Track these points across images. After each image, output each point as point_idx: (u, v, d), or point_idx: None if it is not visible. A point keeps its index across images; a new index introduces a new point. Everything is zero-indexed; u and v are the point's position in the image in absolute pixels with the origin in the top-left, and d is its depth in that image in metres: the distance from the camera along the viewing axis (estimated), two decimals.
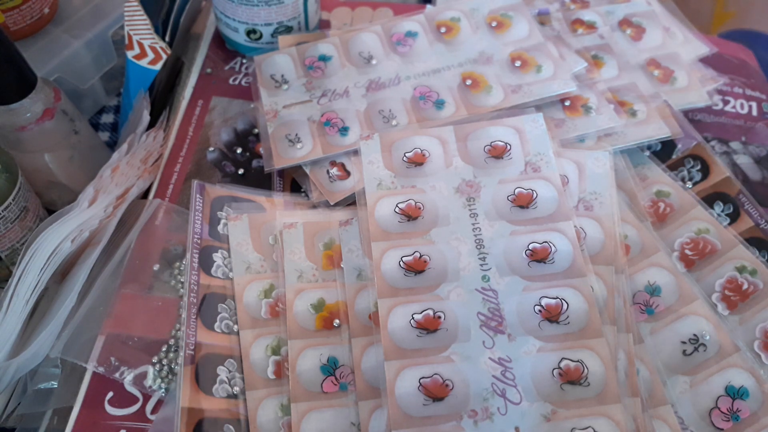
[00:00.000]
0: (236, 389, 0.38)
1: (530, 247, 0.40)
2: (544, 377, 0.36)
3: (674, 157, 0.47)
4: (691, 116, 0.50)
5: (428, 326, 0.38)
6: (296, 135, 0.47)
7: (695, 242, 0.43)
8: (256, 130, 0.49)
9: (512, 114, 0.46)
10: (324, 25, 0.57)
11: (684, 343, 0.39)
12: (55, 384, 0.39)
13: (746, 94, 0.53)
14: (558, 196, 0.42)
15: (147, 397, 0.38)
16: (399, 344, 0.37)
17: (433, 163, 0.44)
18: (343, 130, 0.47)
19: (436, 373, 0.37)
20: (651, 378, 0.38)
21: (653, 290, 0.41)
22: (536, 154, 0.44)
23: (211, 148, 0.48)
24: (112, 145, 0.56)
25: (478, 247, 0.40)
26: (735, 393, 0.37)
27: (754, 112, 0.52)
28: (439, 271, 0.40)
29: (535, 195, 0.42)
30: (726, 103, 0.52)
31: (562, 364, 0.37)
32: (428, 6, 0.53)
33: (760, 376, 0.38)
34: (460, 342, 0.37)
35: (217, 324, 0.40)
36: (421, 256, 0.40)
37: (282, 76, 0.50)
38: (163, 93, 0.53)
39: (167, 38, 0.52)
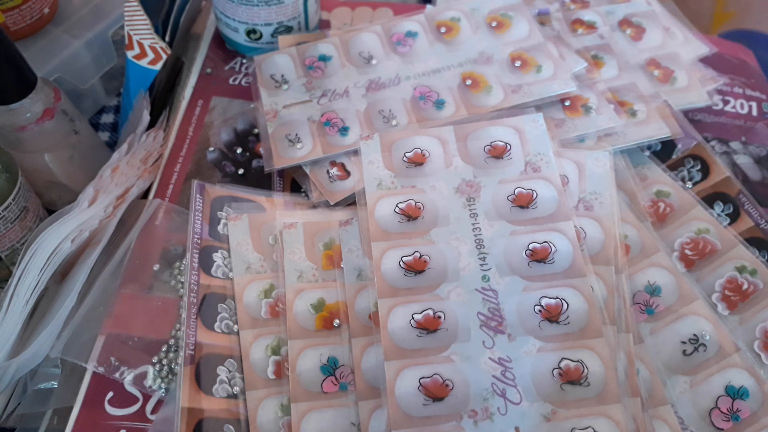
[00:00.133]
0: (236, 389, 0.38)
1: (530, 247, 0.40)
2: (544, 377, 0.36)
3: (674, 157, 0.47)
4: (691, 116, 0.50)
5: (428, 326, 0.38)
6: (296, 135, 0.47)
7: (695, 242, 0.43)
8: (256, 130, 0.49)
9: (512, 114, 0.46)
10: (324, 25, 0.57)
11: (684, 343, 0.39)
12: (55, 384, 0.39)
13: (746, 94, 0.53)
14: (558, 196, 0.42)
15: (147, 397, 0.38)
16: (399, 344, 0.37)
17: (433, 163, 0.44)
18: (343, 130, 0.47)
19: (436, 373, 0.37)
20: (651, 378, 0.38)
21: (653, 290, 0.41)
22: (536, 154, 0.44)
23: (211, 148, 0.48)
24: (112, 145, 0.56)
25: (478, 247, 0.40)
26: (735, 393, 0.37)
27: (754, 112, 0.52)
28: (439, 271, 0.40)
29: (535, 195, 0.42)
30: (726, 103, 0.52)
31: (562, 364, 0.37)
32: (428, 6, 0.53)
33: (760, 376, 0.38)
34: (460, 342, 0.37)
35: (217, 324, 0.40)
36: (421, 256, 0.40)
37: (282, 76, 0.50)
38: (163, 93, 0.53)
39: (167, 38, 0.52)
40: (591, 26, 0.52)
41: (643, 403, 0.36)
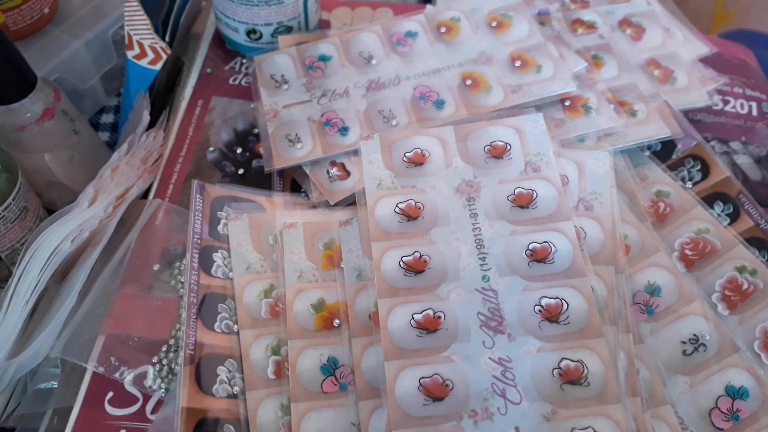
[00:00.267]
0: (236, 389, 0.38)
1: (530, 247, 0.40)
2: (544, 377, 0.36)
3: (674, 157, 0.47)
4: (691, 116, 0.50)
5: (428, 326, 0.38)
6: (296, 135, 0.47)
7: (695, 242, 0.43)
8: (256, 130, 0.49)
9: (512, 114, 0.46)
10: (324, 25, 0.57)
11: (684, 343, 0.39)
12: (55, 384, 0.39)
13: (746, 94, 0.53)
14: (558, 196, 0.42)
15: (147, 397, 0.38)
16: (399, 344, 0.37)
17: (433, 163, 0.44)
18: (343, 130, 0.47)
19: (436, 373, 0.37)
20: (651, 378, 0.38)
21: (653, 290, 0.41)
22: (536, 154, 0.44)
23: (211, 148, 0.48)
24: (112, 145, 0.56)
25: (478, 247, 0.40)
26: (735, 393, 0.37)
27: (754, 112, 0.52)
28: (439, 271, 0.40)
29: (535, 195, 0.42)
30: (726, 103, 0.52)
31: (562, 364, 0.37)
32: (428, 6, 0.53)
33: (760, 376, 0.38)
34: (460, 342, 0.37)
35: (217, 324, 0.40)
36: (421, 256, 0.40)
37: (282, 76, 0.50)
38: (163, 93, 0.53)
39: (167, 38, 0.52)
40: (591, 26, 0.52)
41: (643, 403, 0.36)
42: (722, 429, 0.37)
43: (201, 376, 0.38)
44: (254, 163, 0.48)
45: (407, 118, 0.47)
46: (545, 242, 0.40)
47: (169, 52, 0.50)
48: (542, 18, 0.52)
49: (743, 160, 0.49)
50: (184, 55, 0.54)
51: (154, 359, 0.39)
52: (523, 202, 0.42)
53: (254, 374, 0.38)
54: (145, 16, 0.50)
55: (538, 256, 0.40)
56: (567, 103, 0.47)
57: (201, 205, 0.44)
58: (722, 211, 0.44)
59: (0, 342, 0.37)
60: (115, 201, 0.43)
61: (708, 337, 0.39)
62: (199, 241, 0.42)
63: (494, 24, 0.51)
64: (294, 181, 0.47)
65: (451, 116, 0.46)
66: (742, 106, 0.52)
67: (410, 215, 0.42)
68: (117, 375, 0.38)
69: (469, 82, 0.48)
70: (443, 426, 0.35)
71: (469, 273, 0.39)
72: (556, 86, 0.47)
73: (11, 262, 0.44)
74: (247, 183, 0.47)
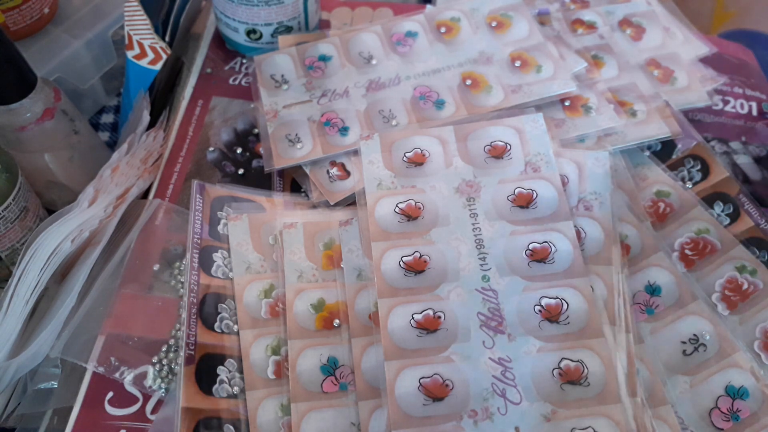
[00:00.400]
0: (236, 389, 0.38)
1: (530, 247, 0.40)
2: (544, 377, 0.36)
3: (674, 157, 0.47)
4: (691, 116, 0.50)
5: (428, 326, 0.38)
6: (296, 135, 0.47)
7: (695, 242, 0.43)
8: (256, 130, 0.49)
9: (512, 114, 0.46)
10: (324, 25, 0.57)
11: (684, 343, 0.39)
12: (55, 384, 0.39)
13: (746, 94, 0.53)
14: (558, 196, 0.42)
15: (147, 397, 0.38)
16: (399, 344, 0.37)
17: (433, 163, 0.44)
18: (343, 130, 0.47)
19: (436, 373, 0.37)
20: (651, 378, 0.38)
21: (653, 290, 0.41)
22: (536, 154, 0.44)
23: (211, 148, 0.48)
24: (112, 145, 0.56)
25: (478, 247, 0.40)
26: (735, 393, 0.37)
27: (754, 112, 0.52)
28: (439, 271, 0.40)
29: (535, 195, 0.42)
30: (726, 103, 0.52)
31: (562, 364, 0.37)
32: (428, 6, 0.53)
33: (760, 376, 0.38)
34: (460, 342, 0.37)
35: (217, 324, 0.40)
36: (421, 256, 0.40)
37: (282, 76, 0.50)
38: (163, 93, 0.53)
39: (167, 38, 0.52)
40: (591, 26, 0.52)
41: (643, 403, 0.36)
42: (722, 429, 0.37)
43: (201, 376, 0.38)
44: (254, 163, 0.48)
45: (407, 118, 0.47)
46: (545, 242, 0.40)
47: (169, 52, 0.50)
48: (542, 18, 0.52)
49: (743, 160, 0.49)
50: (184, 55, 0.54)
51: (154, 359, 0.39)
52: (523, 202, 0.42)
53: (254, 374, 0.38)
54: (145, 16, 0.50)
55: (538, 256, 0.40)
56: (567, 103, 0.47)
57: (201, 205, 0.44)
58: (722, 211, 0.44)
59: (0, 342, 0.37)
60: (115, 201, 0.43)
61: (708, 337, 0.39)
62: (199, 241, 0.42)
63: (494, 24, 0.51)
64: (294, 181, 0.47)
65: (451, 116, 0.46)
66: (742, 106, 0.52)
67: (410, 215, 0.42)
68: (117, 375, 0.38)
69: (469, 82, 0.48)
70: (443, 426, 0.35)
71: (469, 273, 0.39)
72: (556, 86, 0.47)
73: (11, 262, 0.44)
74: (247, 183, 0.47)
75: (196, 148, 0.49)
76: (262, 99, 0.49)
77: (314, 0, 0.53)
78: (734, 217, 0.44)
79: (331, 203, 0.44)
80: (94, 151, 0.51)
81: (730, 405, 0.37)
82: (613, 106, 0.47)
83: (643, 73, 0.50)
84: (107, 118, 0.58)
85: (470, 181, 0.43)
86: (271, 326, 0.40)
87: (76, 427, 0.37)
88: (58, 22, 0.53)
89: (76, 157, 0.48)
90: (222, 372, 0.38)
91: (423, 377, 0.36)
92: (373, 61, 0.50)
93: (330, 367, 0.38)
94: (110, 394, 0.38)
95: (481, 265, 0.40)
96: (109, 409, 0.38)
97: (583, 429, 0.35)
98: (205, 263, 0.42)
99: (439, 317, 0.38)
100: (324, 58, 0.50)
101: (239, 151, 0.48)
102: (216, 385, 0.38)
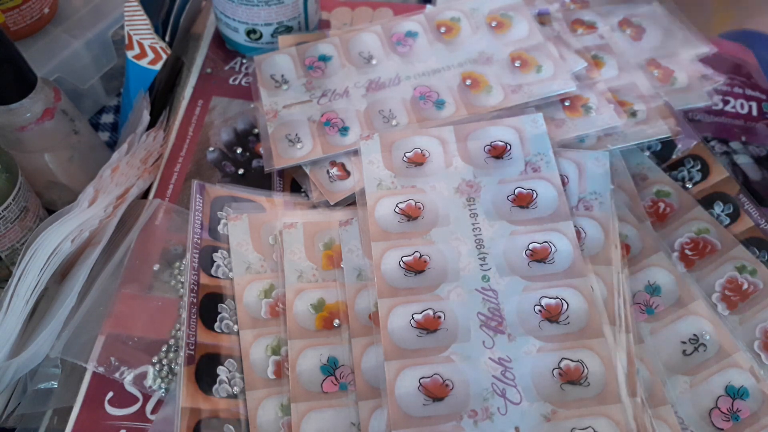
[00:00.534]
0: (236, 389, 0.38)
1: (530, 247, 0.40)
2: (544, 377, 0.36)
3: (674, 157, 0.47)
4: (691, 116, 0.50)
5: (428, 326, 0.38)
6: (296, 135, 0.47)
7: (695, 242, 0.43)
8: (256, 130, 0.49)
9: (512, 114, 0.46)
10: (324, 25, 0.57)
11: (684, 343, 0.39)
12: (55, 384, 0.39)
13: (746, 94, 0.53)
14: (558, 196, 0.42)
15: (147, 397, 0.38)
16: (399, 344, 0.37)
17: (433, 163, 0.44)
18: (343, 130, 0.47)
19: (436, 373, 0.37)
20: (651, 378, 0.38)
21: (653, 290, 0.41)
22: (536, 154, 0.44)
23: (211, 148, 0.48)
24: (112, 145, 0.56)
25: (478, 247, 0.40)
26: (735, 393, 0.37)
27: (754, 112, 0.52)
28: (439, 271, 0.40)
29: (535, 195, 0.42)
30: (726, 103, 0.52)
31: (562, 364, 0.37)
32: (428, 6, 0.53)
33: (760, 376, 0.38)
34: (460, 342, 0.37)
35: (217, 324, 0.40)
36: (421, 256, 0.40)
37: (282, 76, 0.50)
38: (163, 93, 0.53)
39: (167, 38, 0.52)
40: (591, 26, 0.52)
41: (643, 403, 0.36)
42: (722, 429, 0.37)
43: (201, 376, 0.38)
44: (254, 163, 0.48)
45: (407, 118, 0.47)
46: (545, 242, 0.40)
47: (169, 52, 0.50)
48: (542, 18, 0.52)
49: (743, 160, 0.49)
50: (184, 55, 0.54)
51: (154, 359, 0.39)
52: (523, 202, 0.42)
53: (254, 374, 0.38)
54: (145, 16, 0.50)
55: (538, 256, 0.40)
56: (567, 103, 0.47)
57: (201, 205, 0.44)
58: (722, 211, 0.44)
59: (0, 342, 0.37)
60: (115, 201, 0.43)
61: (708, 337, 0.39)
62: (199, 241, 0.42)
63: (494, 24, 0.51)
64: (294, 181, 0.47)
65: (451, 116, 0.46)
66: (742, 106, 0.52)
67: (410, 215, 0.42)
68: (117, 375, 0.38)
69: (469, 82, 0.48)
70: (443, 426, 0.35)
71: (469, 273, 0.39)
72: (556, 86, 0.47)
73: (11, 262, 0.44)
74: (247, 183, 0.47)
75: (196, 148, 0.49)
76: (262, 99, 0.49)
77: (314, 0, 0.53)
78: (734, 217, 0.44)
79: (331, 203, 0.44)
80: (94, 151, 0.51)
81: (730, 405, 0.37)
82: (613, 106, 0.47)
83: (643, 73, 0.50)
84: (107, 118, 0.58)
85: (470, 181, 0.43)
86: (271, 326, 0.40)
87: (76, 427, 0.37)
88: (58, 22, 0.53)
89: (76, 157, 0.48)
90: (222, 372, 0.38)
91: (423, 377, 0.36)
92: (373, 61, 0.50)
93: (330, 367, 0.38)
94: (110, 394, 0.38)
95: (481, 265, 0.40)
96: (109, 409, 0.38)
97: (583, 429, 0.35)
98: (205, 263, 0.42)
99: (439, 317, 0.38)
100: (324, 58, 0.50)
101: (239, 151, 0.48)
102: (216, 385, 0.38)
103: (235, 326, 0.40)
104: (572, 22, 0.52)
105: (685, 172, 0.46)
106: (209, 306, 0.40)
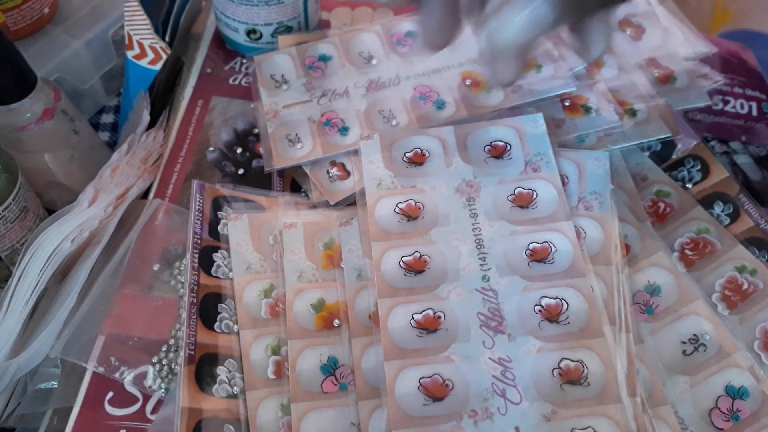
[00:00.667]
0: (236, 389, 0.38)
1: (530, 247, 0.40)
2: (544, 377, 0.36)
3: (674, 157, 0.47)
4: (691, 116, 0.50)
5: (428, 326, 0.38)
6: (296, 135, 0.47)
7: (695, 242, 0.43)
8: (256, 130, 0.49)
9: (512, 114, 0.46)
10: (324, 25, 0.57)
11: (684, 343, 0.39)
12: (55, 384, 0.39)
13: (746, 94, 0.53)
14: (558, 196, 0.42)
15: (147, 397, 0.38)
16: (399, 344, 0.37)
17: (433, 163, 0.44)
18: (343, 130, 0.47)
19: (436, 373, 0.37)
20: (651, 378, 0.38)
21: (653, 290, 0.41)
22: (536, 154, 0.44)
23: (211, 148, 0.48)
24: (112, 145, 0.56)
25: (478, 247, 0.40)
26: (735, 393, 0.37)
27: (754, 112, 0.52)
28: (439, 271, 0.40)
29: (535, 195, 0.42)
30: (726, 103, 0.52)
31: (562, 364, 0.37)
32: None
33: (760, 376, 0.38)
34: (460, 342, 0.37)
35: (217, 324, 0.40)
36: (421, 256, 0.40)
37: (282, 76, 0.50)
38: (163, 93, 0.53)
39: (167, 38, 0.52)
40: None
41: (643, 403, 0.36)
42: (722, 429, 0.37)
43: (201, 376, 0.38)
44: (254, 163, 0.48)
45: (407, 118, 0.47)
46: (545, 242, 0.40)
47: (169, 52, 0.50)
48: None
49: (743, 160, 0.49)
50: (184, 55, 0.54)
51: (154, 359, 0.39)
52: (523, 202, 0.42)
53: (254, 374, 0.38)
54: (145, 16, 0.50)
55: (538, 256, 0.40)
56: (567, 103, 0.47)
57: (201, 205, 0.44)
58: (722, 211, 0.44)
59: (0, 342, 0.37)
60: (115, 201, 0.43)
61: (708, 337, 0.39)
62: (199, 241, 0.42)
63: None
64: (294, 181, 0.47)
65: (451, 116, 0.46)
66: (742, 106, 0.52)
67: (410, 215, 0.42)
68: (117, 375, 0.38)
69: (469, 82, 0.48)
70: (443, 426, 0.35)
71: (469, 273, 0.39)
72: (556, 86, 0.47)
73: (11, 262, 0.44)
74: (247, 183, 0.47)
75: (196, 148, 0.49)
76: (262, 99, 0.49)
77: (314, 0, 0.53)
78: (734, 217, 0.44)
79: (331, 203, 0.44)
80: (94, 151, 0.51)
81: (730, 405, 0.37)
82: (613, 106, 0.47)
83: (643, 73, 0.50)
84: (107, 118, 0.58)
85: (470, 181, 0.43)
86: (271, 326, 0.40)
87: (76, 427, 0.37)
88: (58, 22, 0.53)
89: (76, 157, 0.48)
90: (222, 372, 0.38)
91: (423, 377, 0.36)
92: (373, 61, 0.50)
93: (330, 367, 0.38)
94: (110, 394, 0.38)
95: (481, 265, 0.40)
96: (109, 409, 0.38)
97: (583, 429, 0.35)
98: (205, 263, 0.42)
99: (439, 317, 0.38)
100: (324, 58, 0.50)
101: (239, 151, 0.48)
102: (216, 385, 0.38)
103: (235, 326, 0.40)
104: None
105: (685, 172, 0.46)
106: (209, 306, 0.40)
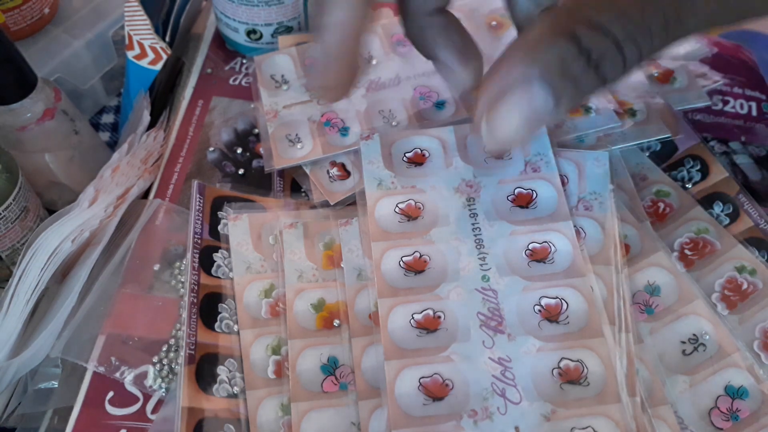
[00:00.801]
0: (236, 389, 0.38)
1: (530, 246, 0.40)
2: (543, 377, 0.36)
3: (674, 157, 0.47)
4: (691, 116, 0.50)
5: (428, 326, 0.38)
6: (296, 135, 0.47)
7: (695, 242, 0.43)
8: (256, 130, 0.49)
9: None
10: None
11: (683, 342, 0.39)
12: (55, 384, 0.39)
13: (746, 94, 0.53)
14: (558, 196, 0.42)
15: (147, 397, 0.38)
16: (399, 344, 0.37)
17: (433, 163, 0.44)
18: (343, 130, 0.47)
19: (436, 373, 0.37)
20: (651, 378, 0.38)
21: (653, 290, 0.41)
22: (536, 154, 0.44)
23: (211, 148, 0.48)
24: (113, 145, 0.56)
25: (478, 247, 0.40)
26: (734, 393, 0.38)
27: (754, 112, 0.52)
28: (438, 270, 0.40)
29: (534, 195, 0.42)
30: (726, 103, 0.52)
31: (561, 364, 0.37)
32: None
33: (759, 376, 0.38)
34: (460, 342, 0.37)
35: (217, 324, 0.40)
36: (421, 256, 0.40)
37: (282, 76, 0.50)
38: (163, 93, 0.53)
39: (167, 38, 0.52)
40: None
41: (643, 403, 0.37)
42: (722, 429, 0.37)
43: (201, 376, 0.38)
44: (254, 163, 0.48)
45: (407, 118, 0.47)
46: (545, 242, 0.40)
47: (169, 52, 0.50)
48: None
49: (743, 160, 0.49)
50: (184, 55, 0.54)
51: (155, 359, 0.39)
52: (522, 202, 0.42)
53: (254, 374, 0.38)
54: (145, 16, 0.50)
55: (538, 256, 0.40)
56: None
57: (201, 205, 0.44)
58: (722, 211, 0.44)
59: (0, 342, 0.37)
60: (116, 201, 0.43)
61: (708, 337, 0.39)
62: (199, 241, 0.42)
63: (494, 24, 0.51)
64: (294, 181, 0.47)
65: (451, 116, 0.46)
66: (741, 106, 0.52)
67: (410, 215, 0.42)
68: (117, 375, 0.38)
69: None
70: (443, 426, 0.35)
71: (469, 273, 0.39)
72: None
73: (12, 262, 0.44)
74: (247, 183, 0.47)
75: (197, 148, 0.49)
76: (262, 99, 0.49)
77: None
78: (734, 217, 0.44)
79: (331, 203, 0.44)
80: (94, 151, 0.51)
81: (729, 405, 0.37)
82: (613, 106, 0.47)
83: (643, 73, 0.50)
84: (107, 118, 0.58)
85: (470, 181, 0.43)
86: (272, 326, 0.40)
87: (76, 427, 0.37)
88: (59, 22, 0.53)
89: (77, 157, 0.48)
90: (222, 372, 0.38)
91: (423, 377, 0.36)
92: (373, 61, 0.50)
93: (330, 367, 0.38)
94: (111, 394, 0.38)
95: (481, 264, 0.40)
96: (109, 408, 0.38)
97: (583, 428, 0.35)
98: (205, 263, 0.42)
99: (439, 317, 0.38)
100: None
101: (239, 151, 0.48)
102: (216, 385, 0.38)
103: (236, 326, 0.40)
104: None
105: (685, 172, 0.46)
106: (209, 306, 0.40)
